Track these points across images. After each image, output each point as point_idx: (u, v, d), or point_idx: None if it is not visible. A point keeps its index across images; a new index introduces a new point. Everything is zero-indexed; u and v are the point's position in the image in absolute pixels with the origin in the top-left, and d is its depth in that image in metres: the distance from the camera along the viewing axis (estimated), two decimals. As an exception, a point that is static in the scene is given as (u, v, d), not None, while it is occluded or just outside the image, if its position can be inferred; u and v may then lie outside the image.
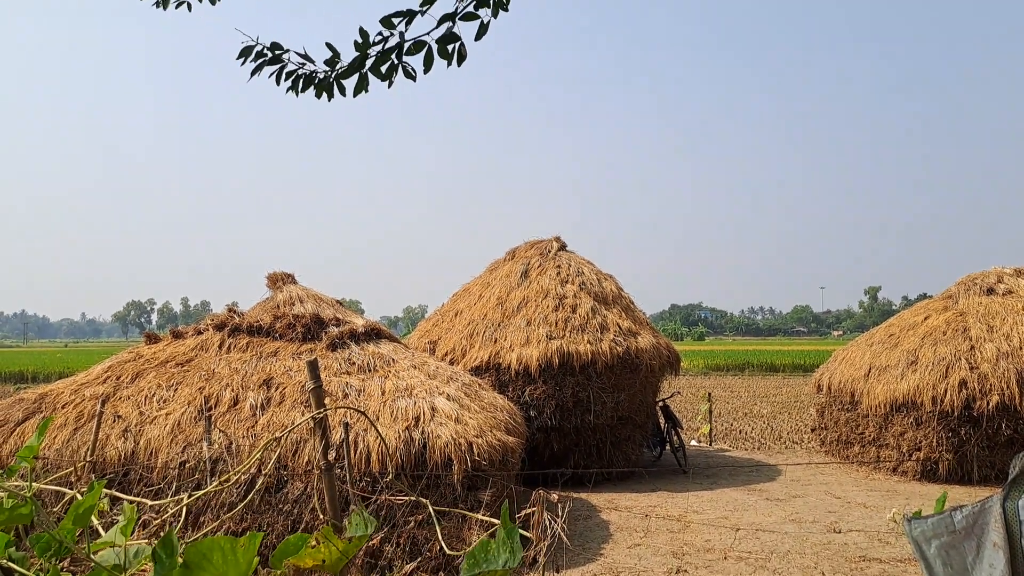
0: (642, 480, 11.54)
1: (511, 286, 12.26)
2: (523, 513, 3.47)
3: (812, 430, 14.97)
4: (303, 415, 7.52)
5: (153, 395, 7.91)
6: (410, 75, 3.28)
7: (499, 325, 11.62)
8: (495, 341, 11.36)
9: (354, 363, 8.47)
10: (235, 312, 9.73)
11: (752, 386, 33.62)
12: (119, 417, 7.49)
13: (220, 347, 8.82)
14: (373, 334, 9.25)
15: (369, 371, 8.36)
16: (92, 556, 2.06)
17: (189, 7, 4.28)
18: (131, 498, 2.93)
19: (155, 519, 3.81)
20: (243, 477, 6.39)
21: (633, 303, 12.86)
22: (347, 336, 8.96)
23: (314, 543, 2.10)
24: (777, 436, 17.24)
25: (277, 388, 7.96)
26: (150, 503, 2.99)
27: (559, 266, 12.58)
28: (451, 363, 10.95)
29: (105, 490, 3.33)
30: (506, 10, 3.25)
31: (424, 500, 3.52)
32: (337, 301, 10.79)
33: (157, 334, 9.53)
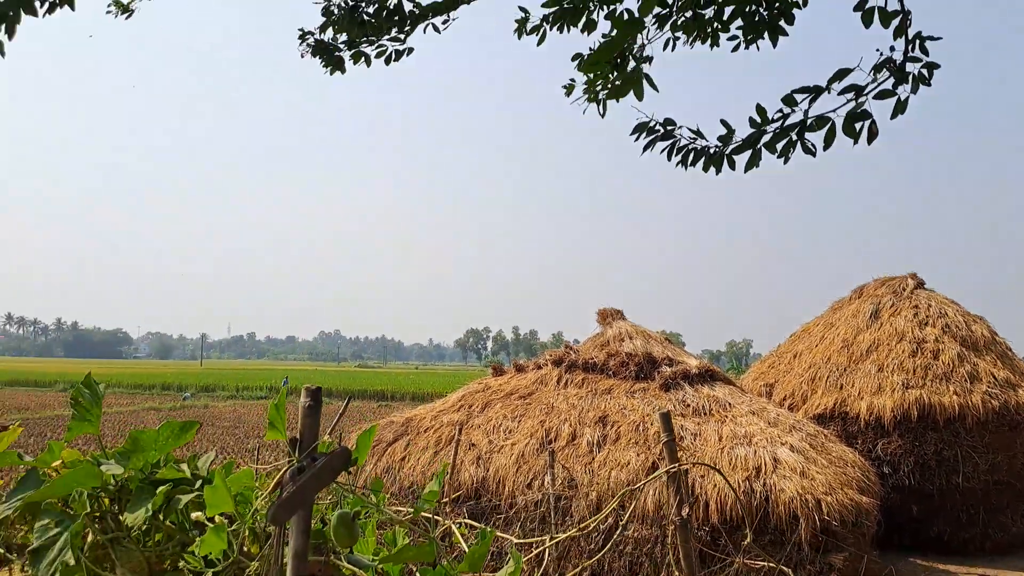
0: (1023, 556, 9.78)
1: (858, 327, 11.22)
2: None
3: None
4: (638, 456, 7.52)
5: (500, 425, 8.45)
6: (809, 151, 3.15)
7: (845, 370, 10.68)
8: (841, 387, 10.45)
9: (688, 405, 8.30)
10: (571, 348, 10.10)
11: None
12: (472, 445, 8.11)
13: (558, 382, 9.19)
14: (707, 375, 9.00)
15: (704, 415, 8.13)
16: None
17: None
18: (506, 536, 3.07)
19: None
20: (600, 526, 6.51)
21: (1011, 350, 11.07)
22: (680, 377, 8.82)
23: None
24: None
25: (612, 426, 8.06)
26: (515, 541, 3.10)
27: (916, 306, 11.27)
28: (790, 409, 10.30)
29: (472, 522, 3.55)
30: (928, 84, 2.98)
31: (786, 570, 3.24)
32: (664, 338, 10.74)
33: (502, 366, 10.21)
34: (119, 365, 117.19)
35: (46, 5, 3.62)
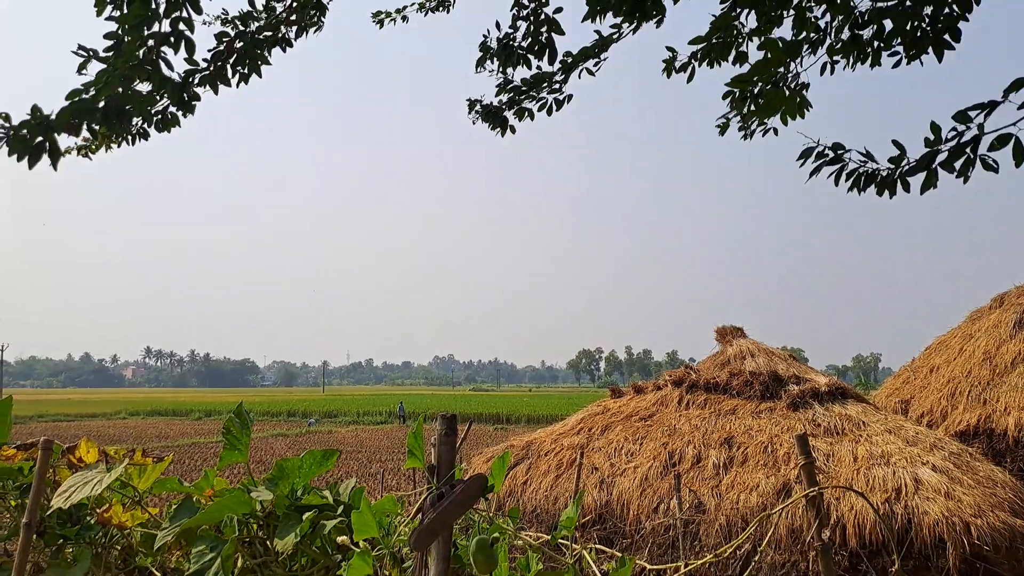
0: None
1: (1001, 338, 10.48)
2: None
3: None
4: (768, 478, 7.26)
5: (621, 448, 8.35)
6: (991, 168, 3.00)
7: (988, 384, 9.98)
8: (984, 403, 9.77)
9: (819, 425, 7.96)
10: (691, 369, 9.90)
11: None
12: (595, 468, 8.04)
13: (679, 403, 9.01)
14: (838, 393, 8.61)
15: (837, 434, 7.77)
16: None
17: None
18: (640, 562, 3.02)
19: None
20: (736, 551, 6.34)
21: None
22: (808, 395, 8.48)
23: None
24: None
25: (739, 447, 7.82)
26: (649, 567, 3.05)
27: (1065, 313, 10.44)
28: (929, 426, 9.70)
29: (603, 548, 3.51)
30: None
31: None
32: (789, 355, 10.36)
33: (621, 388, 10.11)
34: (248, 393, 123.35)
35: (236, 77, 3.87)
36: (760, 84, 3.96)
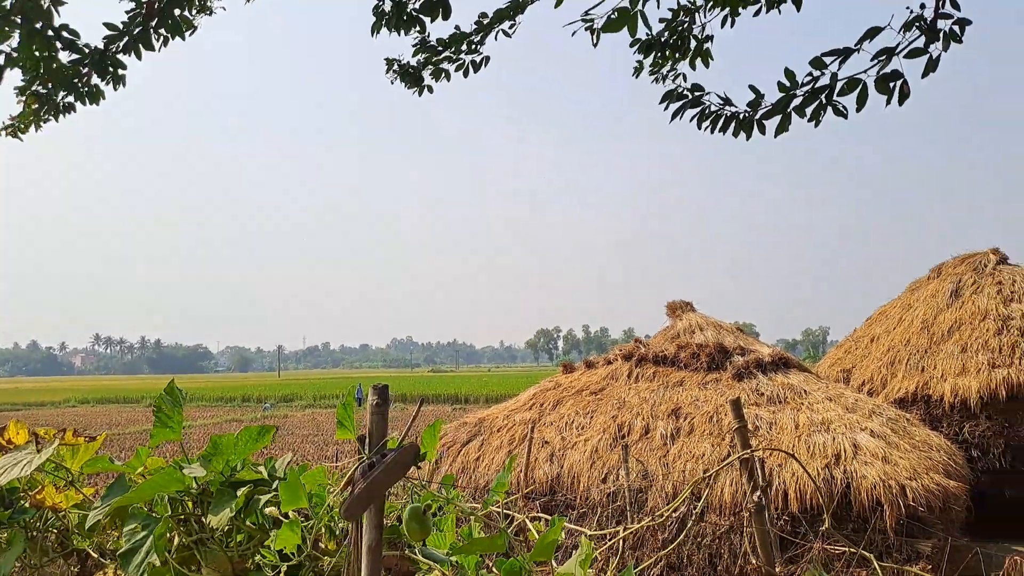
0: None
1: (938, 307, 10.82)
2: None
3: None
4: (713, 447, 7.43)
5: (572, 422, 8.46)
6: (840, 113, 3.09)
7: (926, 352, 10.31)
8: (922, 370, 10.10)
9: (763, 394, 8.15)
10: (640, 343, 10.03)
11: None
12: (545, 442, 8.13)
13: (629, 376, 9.14)
14: (781, 363, 8.82)
15: (779, 403, 7.97)
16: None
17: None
18: (576, 527, 3.09)
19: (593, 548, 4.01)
20: (673, 514, 6.48)
21: (1105, 323, 10.51)
22: (753, 365, 8.67)
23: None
24: None
25: (686, 418, 7.97)
26: (588, 532, 3.11)
27: (1000, 282, 10.79)
28: (869, 394, 10.00)
29: (543, 515, 3.58)
30: (959, 42, 2.89)
31: (868, 555, 3.17)
32: (736, 327, 10.56)
33: (572, 364, 10.21)
34: (201, 379, 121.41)
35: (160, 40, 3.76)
36: (667, 33, 4.03)
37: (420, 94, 5.12)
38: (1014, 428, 9.34)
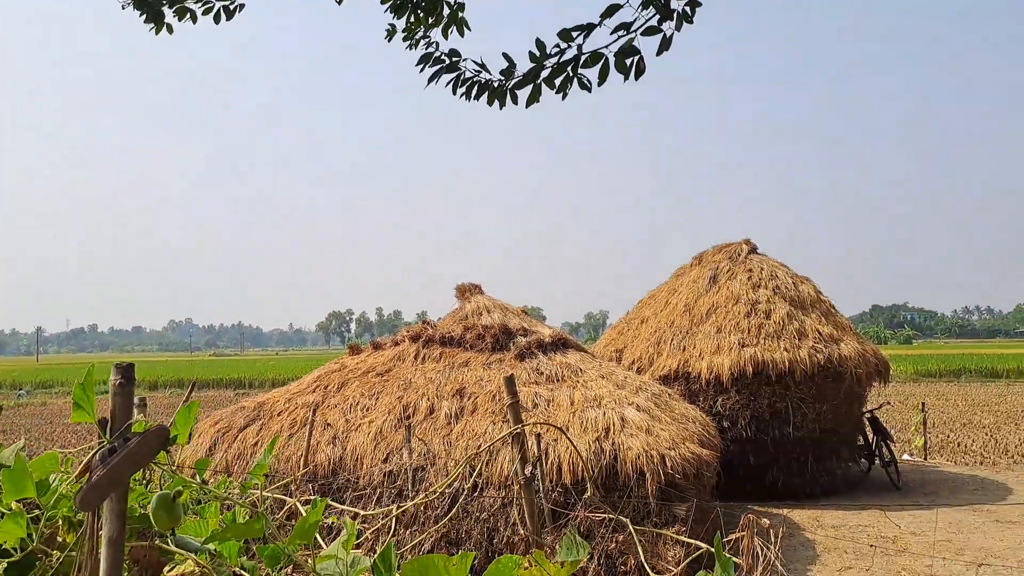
0: (849, 497, 10.75)
1: (699, 292, 11.86)
2: (731, 538, 3.27)
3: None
4: (495, 425, 7.66)
5: (357, 404, 8.36)
6: (585, 86, 3.22)
7: (688, 333, 11.27)
8: (684, 349, 11.03)
9: (542, 373, 8.51)
10: (428, 324, 10.10)
11: (970, 394, 30.58)
12: (328, 425, 7.98)
13: (416, 358, 9.17)
14: (560, 344, 9.26)
15: (557, 381, 8.37)
16: (316, 569, 2.15)
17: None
18: (345, 507, 3.06)
19: (365, 528, 3.98)
20: (447, 489, 6.57)
21: (834, 308, 12.04)
22: (535, 346, 9.02)
23: (526, 565, 2.07)
24: (1003, 450, 15.52)
25: (470, 398, 8.15)
26: (362, 513, 3.10)
27: (750, 270, 12.03)
28: (638, 372, 10.77)
29: (314, 498, 3.51)
30: (691, 22, 3.12)
31: (625, 520, 3.41)
32: (522, 310, 10.94)
33: (359, 345, 10.08)
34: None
35: None
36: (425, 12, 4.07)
37: (158, 32, 4.51)
38: (758, 400, 10.48)
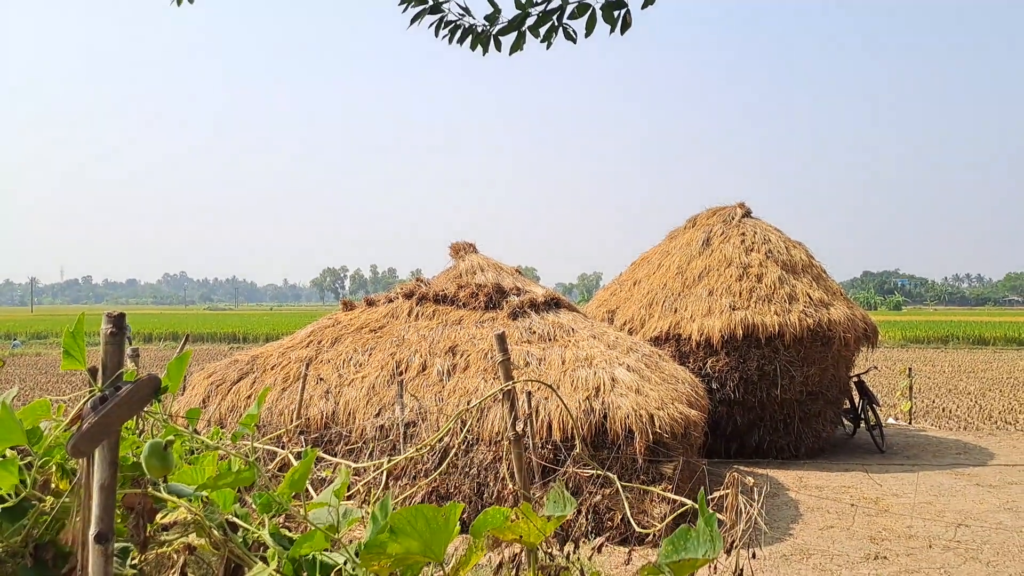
0: (834, 459, 10.92)
1: (692, 255, 11.89)
2: (716, 495, 3.34)
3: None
4: (487, 382, 7.72)
5: (350, 359, 8.41)
6: (571, 37, 3.18)
7: (679, 295, 11.32)
8: (675, 311, 11.09)
9: (535, 332, 8.57)
10: (422, 281, 10.13)
11: (957, 360, 30.88)
12: (321, 379, 8.03)
13: (409, 315, 9.21)
14: (553, 304, 9.30)
15: (549, 340, 8.43)
16: (308, 517, 2.19)
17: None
18: (337, 460, 3.10)
19: (357, 481, 4.05)
20: (437, 444, 6.65)
21: (825, 272, 12.10)
22: (527, 306, 9.07)
23: (514, 517, 2.11)
24: (987, 416, 15.73)
25: (462, 355, 8.21)
26: (354, 465, 3.14)
27: (743, 233, 12.04)
28: (630, 333, 10.83)
29: (305, 449, 3.56)
30: None
31: (612, 476, 3.47)
32: (516, 270, 10.95)
33: (353, 302, 10.10)
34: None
35: None
36: None
37: (179, 3, 4.58)
38: (747, 363, 10.57)
